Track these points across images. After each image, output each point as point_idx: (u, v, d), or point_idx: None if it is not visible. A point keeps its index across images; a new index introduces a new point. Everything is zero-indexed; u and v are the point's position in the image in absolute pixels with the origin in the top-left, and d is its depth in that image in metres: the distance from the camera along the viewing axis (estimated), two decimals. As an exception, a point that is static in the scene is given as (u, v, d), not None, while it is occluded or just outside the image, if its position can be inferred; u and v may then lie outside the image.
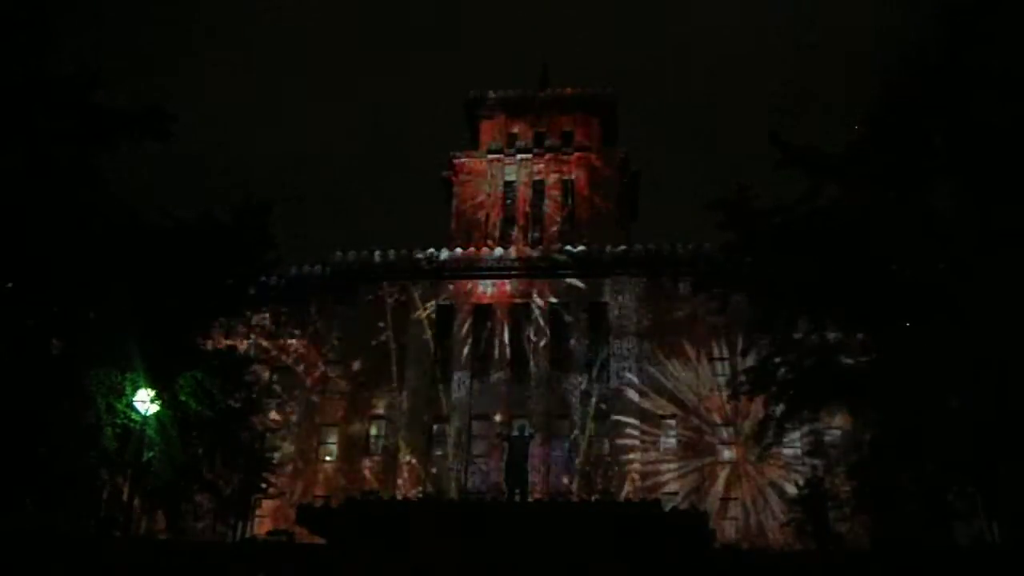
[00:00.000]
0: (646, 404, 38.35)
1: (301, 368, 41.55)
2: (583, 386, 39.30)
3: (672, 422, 38.22)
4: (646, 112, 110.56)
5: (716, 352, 39.48)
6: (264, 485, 32.32)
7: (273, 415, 39.79)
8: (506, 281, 41.47)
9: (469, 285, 41.66)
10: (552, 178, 47.13)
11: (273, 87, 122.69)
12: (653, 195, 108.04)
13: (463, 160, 48.19)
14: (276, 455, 36.74)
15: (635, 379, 38.91)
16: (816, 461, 34.08)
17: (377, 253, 42.24)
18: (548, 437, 38.28)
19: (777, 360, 24.56)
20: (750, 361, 26.56)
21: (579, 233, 45.04)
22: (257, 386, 32.15)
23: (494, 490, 34.86)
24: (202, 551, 27.09)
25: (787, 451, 35.38)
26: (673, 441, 37.91)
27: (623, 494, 35.13)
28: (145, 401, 22.36)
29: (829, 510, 29.29)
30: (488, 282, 41.60)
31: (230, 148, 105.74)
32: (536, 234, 45.51)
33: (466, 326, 41.08)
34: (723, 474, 37.34)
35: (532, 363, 40.05)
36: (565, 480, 37.32)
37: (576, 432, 38.49)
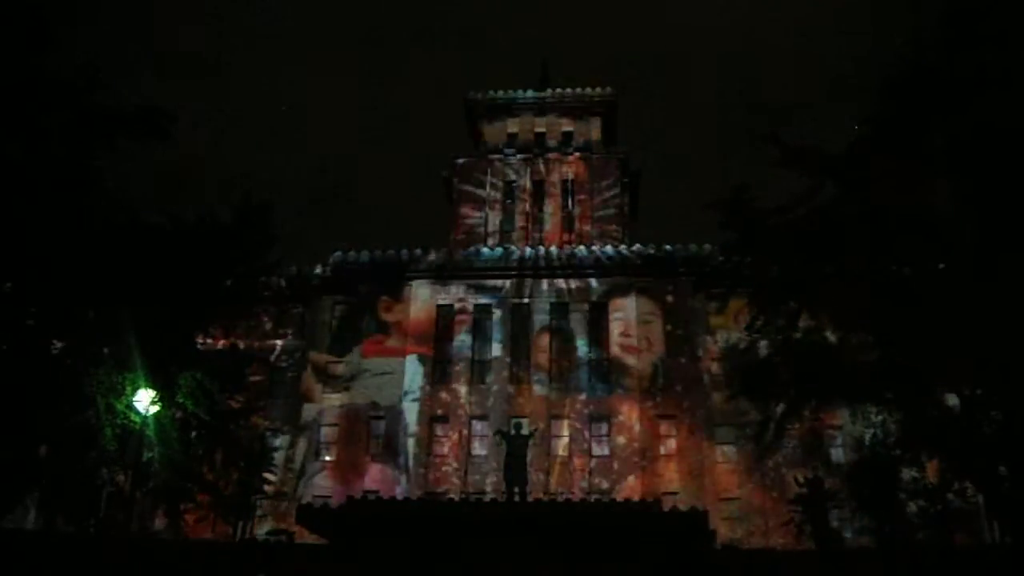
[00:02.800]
0: (646, 403, 38.35)
1: (301, 368, 41.54)
2: (583, 386, 39.28)
3: (672, 422, 38.21)
4: (646, 112, 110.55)
5: (716, 352, 39.47)
6: (264, 485, 32.32)
7: (273, 415, 39.79)
8: (506, 281, 41.45)
9: (469, 285, 41.65)
10: (552, 178, 47.15)
11: (273, 87, 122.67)
12: (653, 195, 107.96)
13: (463, 160, 48.18)
14: (276, 455, 36.74)
15: (635, 378, 38.90)
16: (816, 461, 34.07)
17: (376, 253, 42.22)
18: (549, 437, 38.26)
19: (777, 360, 24.57)
20: (750, 361, 26.52)
21: (579, 233, 45.06)
22: (257, 386, 32.16)
23: (494, 490, 34.89)
24: (202, 551, 27.12)
25: (787, 451, 35.37)
26: (673, 441, 37.90)
27: (623, 494, 35.11)
28: (145, 401, 22.37)
29: (829, 510, 29.28)
30: (488, 282, 41.59)
31: (230, 148, 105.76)
32: (536, 234, 45.51)
33: (466, 326, 41.07)
34: (723, 474, 37.34)
35: (532, 363, 40.04)
36: (564, 480, 37.29)
37: (576, 432, 38.46)
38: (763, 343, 25.47)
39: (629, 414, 38.28)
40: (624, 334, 39.93)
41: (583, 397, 39.01)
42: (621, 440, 37.87)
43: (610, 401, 38.87)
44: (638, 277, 40.79)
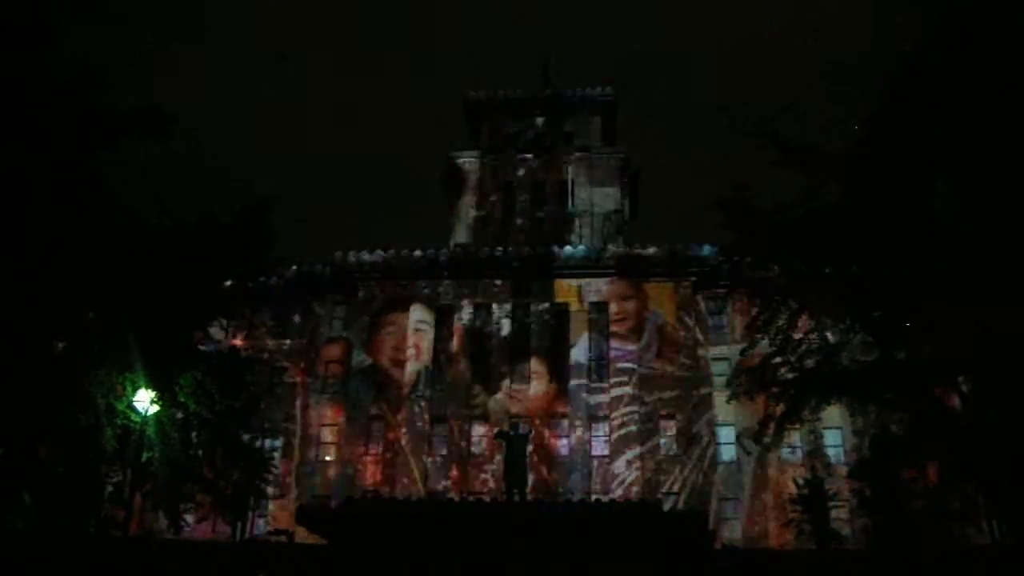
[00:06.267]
0: (646, 404, 38.35)
1: (301, 368, 41.56)
2: (583, 386, 39.29)
3: (672, 422, 38.22)
4: (646, 112, 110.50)
5: (716, 352, 39.48)
6: (264, 485, 32.32)
7: (273, 415, 39.81)
8: (506, 281, 41.45)
9: (469, 285, 41.65)
10: (552, 178, 47.13)
11: (273, 87, 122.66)
12: (653, 195, 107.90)
13: (463, 160, 48.18)
14: (276, 455, 36.77)
15: (635, 378, 38.91)
16: (816, 461, 34.10)
17: (377, 253, 42.22)
18: (548, 437, 38.28)
19: (777, 360, 24.55)
20: (750, 361, 26.51)
21: (579, 233, 45.04)
22: (257, 386, 32.13)
23: (494, 491, 34.90)
24: (202, 551, 27.11)
25: (787, 451, 35.40)
26: (673, 441, 37.91)
27: (623, 494, 35.12)
28: (145, 401, 22.36)
29: (829, 510, 29.29)
30: (488, 282, 41.59)
31: (230, 148, 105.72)
32: (536, 234, 45.48)
33: (466, 326, 41.07)
34: (723, 474, 37.34)
35: (532, 363, 40.05)
36: (565, 481, 37.30)
37: (576, 432, 38.48)
38: (763, 342, 25.37)
39: (629, 413, 38.33)
40: (623, 332, 39.96)
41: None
42: (622, 440, 37.96)
43: (611, 399, 38.90)
44: (638, 277, 40.80)
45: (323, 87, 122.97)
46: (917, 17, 21.47)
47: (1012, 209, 19.90)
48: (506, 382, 39.46)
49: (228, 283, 27.58)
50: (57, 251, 21.50)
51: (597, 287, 40.74)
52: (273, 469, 34.13)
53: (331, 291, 42.70)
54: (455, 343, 40.72)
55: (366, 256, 41.88)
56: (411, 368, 40.43)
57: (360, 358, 40.87)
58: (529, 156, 47.75)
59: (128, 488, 23.93)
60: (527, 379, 39.56)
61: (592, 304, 40.71)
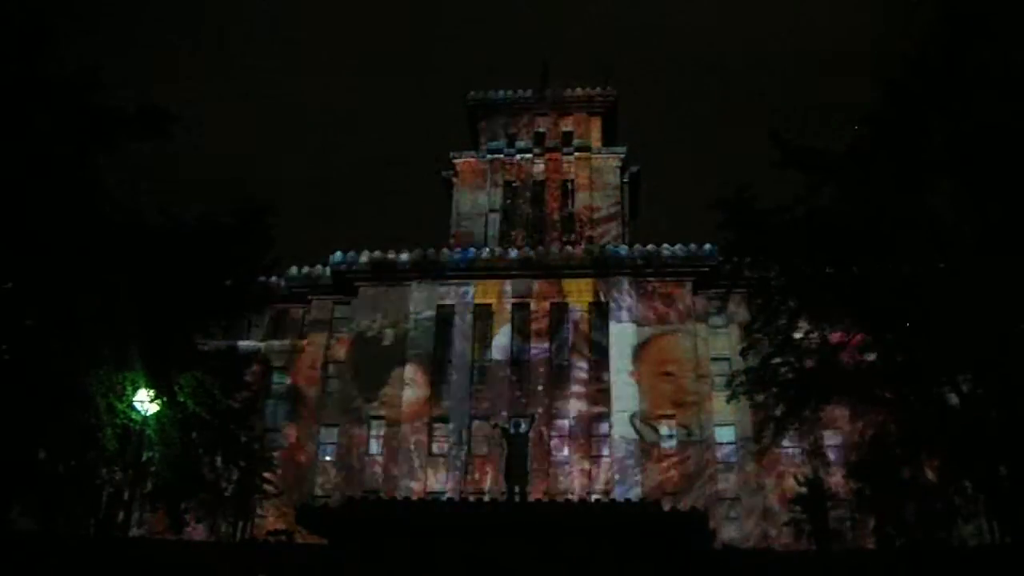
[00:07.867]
0: (646, 404, 38.34)
1: (301, 368, 41.56)
2: (583, 386, 39.27)
3: (672, 422, 38.20)
4: (646, 112, 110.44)
5: (716, 352, 39.46)
6: (264, 485, 32.33)
7: (272, 415, 39.83)
8: (506, 281, 41.43)
9: (469, 285, 41.64)
10: (552, 178, 47.12)
11: (273, 87, 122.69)
12: (653, 195, 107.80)
13: (463, 160, 48.13)
14: (276, 455, 36.78)
15: (635, 379, 38.89)
16: (816, 461, 34.09)
17: (377, 253, 42.23)
18: (548, 437, 38.26)
19: (777, 360, 24.57)
20: (750, 361, 26.52)
21: (579, 233, 45.02)
22: (256, 386, 32.16)
23: (494, 490, 34.90)
24: (202, 551, 27.13)
25: (787, 451, 35.40)
26: (673, 441, 37.89)
27: (622, 494, 35.10)
28: (145, 401, 22.37)
29: (829, 510, 29.29)
30: (488, 282, 41.57)
31: (230, 148, 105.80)
32: (536, 234, 45.46)
33: (465, 326, 41.06)
34: (723, 474, 37.33)
35: (531, 363, 40.03)
36: (564, 481, 37.30)
37: (575, 432, 38.46)
38: (763, 342, 25.37)
39: (629, 413, 38.34)
40: (623, 332, 39.96)
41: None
42: (622, 439, 37.96)
43: (611, 399, 38.88)
44: (638, 277, 40.80)
45: (323, 86, 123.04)
46: (918, 17, 21.52)
47: (1012, 208, 19.94)
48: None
49: (228, 283, 27.59)
50: (57, 251, 21.51)
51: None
52: (274, 469, 34.16)
53: (326, 293, 42.84)
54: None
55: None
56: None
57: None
58: (529, 156, 47.73)
59: (128, 488, 23.95)
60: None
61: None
